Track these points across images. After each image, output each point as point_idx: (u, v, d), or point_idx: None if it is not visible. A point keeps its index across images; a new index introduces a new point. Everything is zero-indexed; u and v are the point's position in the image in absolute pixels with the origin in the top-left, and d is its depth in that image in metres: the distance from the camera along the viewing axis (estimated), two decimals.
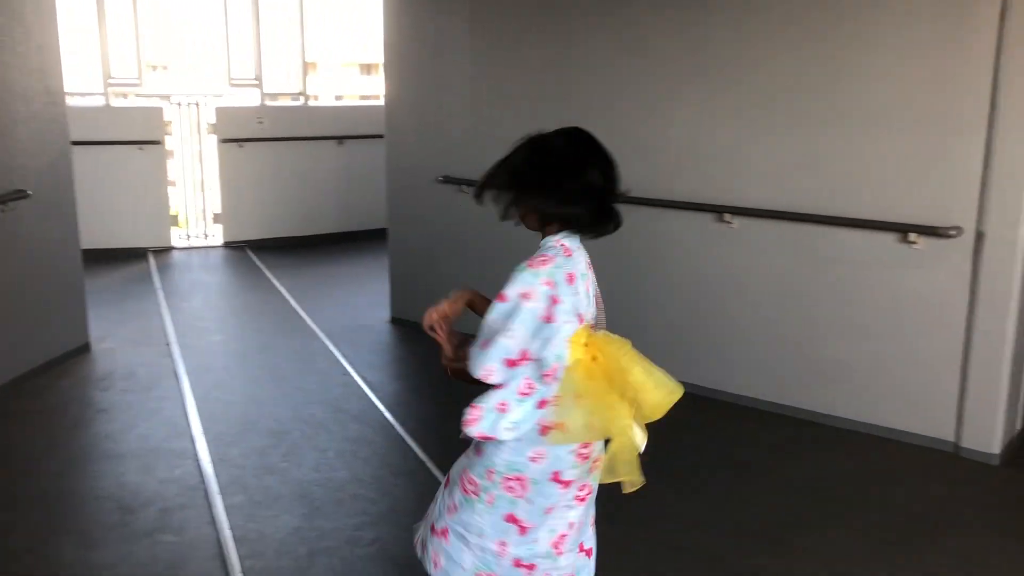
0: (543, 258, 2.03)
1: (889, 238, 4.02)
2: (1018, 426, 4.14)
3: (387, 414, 4.46)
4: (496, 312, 2.01)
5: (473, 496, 2.16)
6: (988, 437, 3.92)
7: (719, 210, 4.47)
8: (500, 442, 2.07)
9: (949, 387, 3.98)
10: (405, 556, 3.11)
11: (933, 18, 3.81)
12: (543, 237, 2.10)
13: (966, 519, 3.42)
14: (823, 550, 3.19)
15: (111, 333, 5.65)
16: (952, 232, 3.82)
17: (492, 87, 5.31)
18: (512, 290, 1.99)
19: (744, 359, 4.57)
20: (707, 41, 4.45)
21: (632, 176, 4.69)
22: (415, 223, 5.88)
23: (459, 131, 5.50)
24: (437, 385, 4.97)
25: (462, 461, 2.26)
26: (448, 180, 5.51)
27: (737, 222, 4.44)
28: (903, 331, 4.06)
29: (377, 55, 8.18)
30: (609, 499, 2.28)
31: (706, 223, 4.55)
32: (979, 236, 3.81)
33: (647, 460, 2.05)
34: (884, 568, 3.08)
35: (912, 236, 3.93)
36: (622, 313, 4.89)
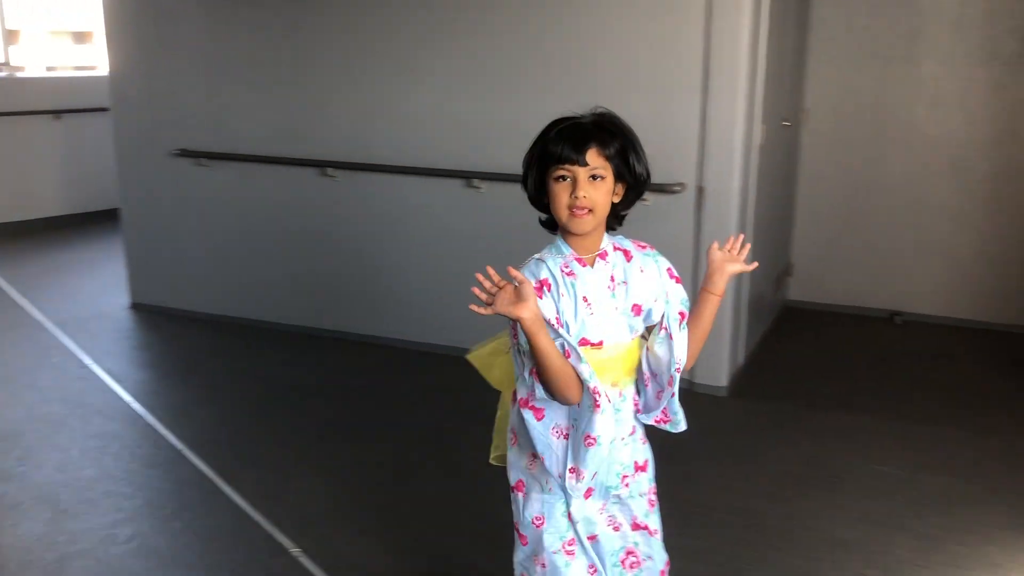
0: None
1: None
2: (740, 361, 4.61)
3: (135, 404, 4.21)
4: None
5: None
6: (717, 373, 4.34)
7: (467, 175, 4.58)
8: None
9: None
10: (170, 548, 2.99)
11: None
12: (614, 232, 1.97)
13: (704, 444, 3.78)
14: None
15: None
16: (677, 188, 4.16)
17: (228, 53, 5.09)
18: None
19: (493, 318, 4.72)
20: (449, 7, 4.52)
21: (379, 143, 4.78)
22: (151, 201, 5.53)
23: (194, 101, 5.23)
24: (187, 370, 4.76)
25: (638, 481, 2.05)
26: (185, 153, 5.23)
27: (485, 186, 4.57)
28: None
29: (92, 22, 7.54)
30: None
31: (455, 188, 4.65)
32: (700, 191, 4.17)
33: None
34: None
35: (644, 194, 4.22)
36: (371, 279, 4.96)
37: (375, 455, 3.70)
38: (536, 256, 1.92)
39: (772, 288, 5.29)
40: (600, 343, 1.87)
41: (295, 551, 2.94)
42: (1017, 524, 3.14)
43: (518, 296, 1.73)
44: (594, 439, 1.84)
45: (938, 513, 3.19)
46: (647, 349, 1.95)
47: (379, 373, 4.66)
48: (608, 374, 1.89)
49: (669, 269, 1.96)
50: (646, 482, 2.07)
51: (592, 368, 1.81)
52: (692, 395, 4.27)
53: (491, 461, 2.21)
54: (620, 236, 1.97)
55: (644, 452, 2.06)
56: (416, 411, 4.19)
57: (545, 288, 1.86)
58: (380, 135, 4.78)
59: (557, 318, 1.83)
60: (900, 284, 5.58)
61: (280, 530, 3.07)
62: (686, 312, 1.96)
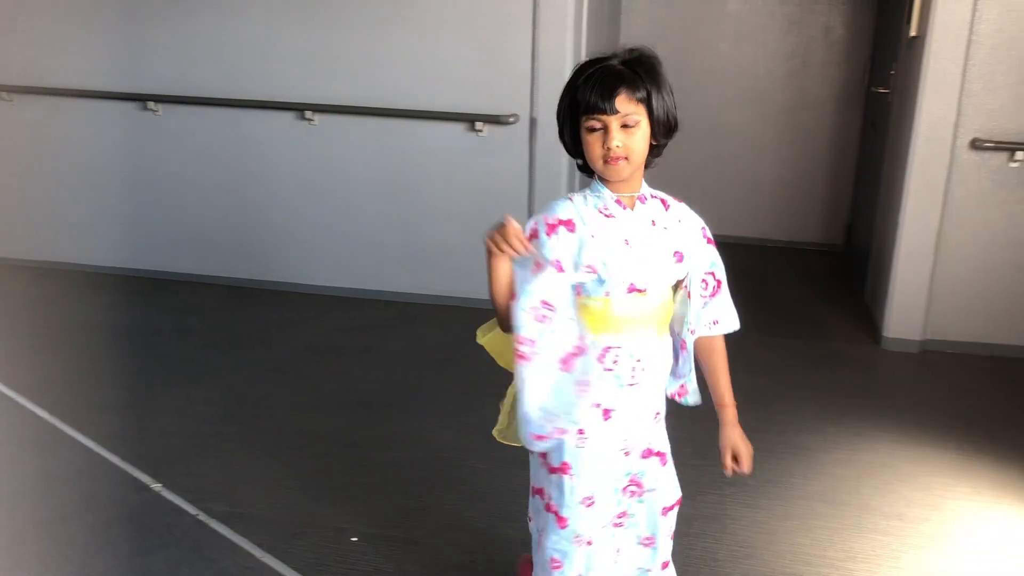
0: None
1: (459, 128, 4.42)
2: None
3: None
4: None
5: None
6: None
7: (300, 108, 4.54)
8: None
9: None
10: (17, 491, 2.91)
11: None
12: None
13: None
14: (446, 403, 3.57)
15: None
16: (511, 119, 4.31)
17: None
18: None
19: (335, 252, 4.76)
20: None
21: (204, 76, 4.64)
22: None
23: None
24: (9, 319, 4.51)
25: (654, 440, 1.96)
26: None
27: (318, 119, 4.55)
28: (480, 211, 4.53)
29: None
30: None
31: (288, 121, 4.60)
32: (533, 122, 4.35)
33: None
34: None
35: (479, 125, 4.36)
36: (199, 218, 4.85)
37: (225, 392, 3.70)
38: (568, 196, 1.81)
39: None
40: (645, 290, 1.78)
41: (156, 486, 2.93)
42: (824, 413, 3.58)
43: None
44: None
45: (756, 409, 3.57)
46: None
47: (215, 312, 4.60)
48: (645, 327, 1.81)
49: (704, 228, 1.89)
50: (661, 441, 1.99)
51: (632, 318, 1.78)
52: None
53: (494, 434, 2.12)
54: (658, 191, 1.88)
55: (663, 441, 1.98)
56: (259, 347, 4.19)
57: (564, 228, 1.76)
58: (205, 67, 4.64)
59: (557, 261, 1.75)
60: (708, 208, 5.99)
61: (138, 468, 3.04)
62: (719, 277, 1.90)
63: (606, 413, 1.84)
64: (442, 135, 4.45)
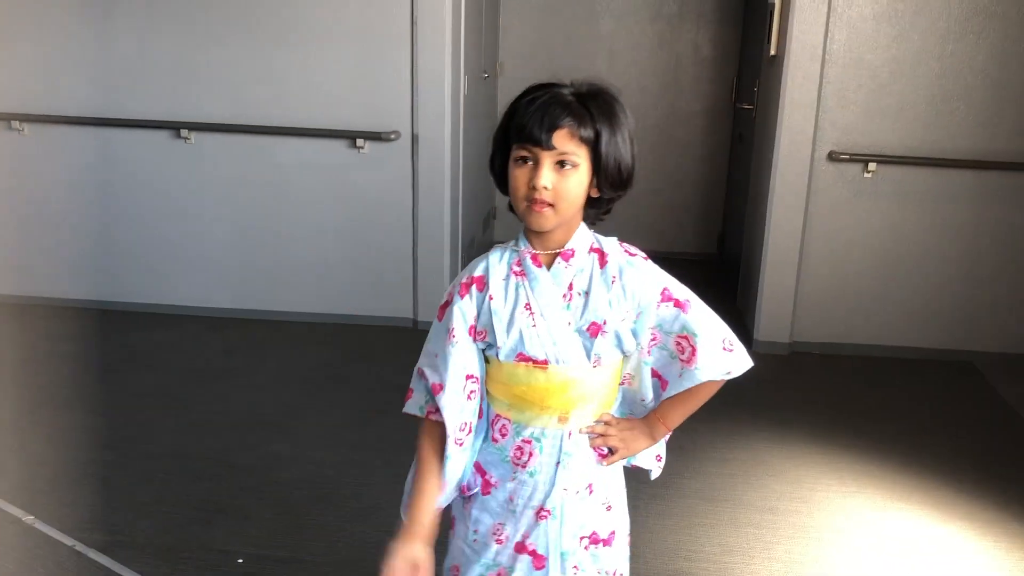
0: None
1: (340, 144, 4.42)
2: None
3: None
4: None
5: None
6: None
7: (175, 126, 4.45)
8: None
9: (405, 272, 4.57)
10: None
11: None
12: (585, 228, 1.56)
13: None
14: (327, 422, 3.55)
15: None
16: (392, 136, 4.34)
17: None
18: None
19: (209, 271, 4.67)
20: None
21: (71, 93, 4.48)
22: None
23: None
24: None
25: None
26: None
27: (195, 137, 4.47)
28: (362, 228, 4.53)
29: None
30: None
31: (163, 140, 4.50)
32: (415, 138, 4.39)
33: None
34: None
35: (360, 142, 4.37)
36: (69, 240, 4.67)
37: (99, 418, 3.58)
38: (497, 247, 1.57)
39: (481, 229, 5.66)
40: (544, 362, 1.49)
41: (29, 519, 2.82)
42: (699, 415, 3.72)
43: None
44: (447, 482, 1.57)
45: None
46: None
47: (85, 337, 4.44)
48: (553, 404, 1.51)
49: (666, 288, 1.54)
50: (610, 562, 1.62)
51: (525, 392, 1.51)
52: (416, 332, 4.52)
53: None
54: (613, 238, 1.57)
55: (608, 521, 1.61)
56: (133, 371, 4.07)
57: (475, 287, 1.52)
58: (72, 84, 4.49)
59: (473, 326, 1.52)
60: None
61: (7, 500, 2.92)
62: (690, 337, 1.52)
63: (486, 485, 1.58)
64: (322, 152, 4.44)
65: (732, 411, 3.77)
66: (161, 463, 3.23)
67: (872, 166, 4.25)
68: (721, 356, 1.53)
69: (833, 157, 4.26)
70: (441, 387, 1.51)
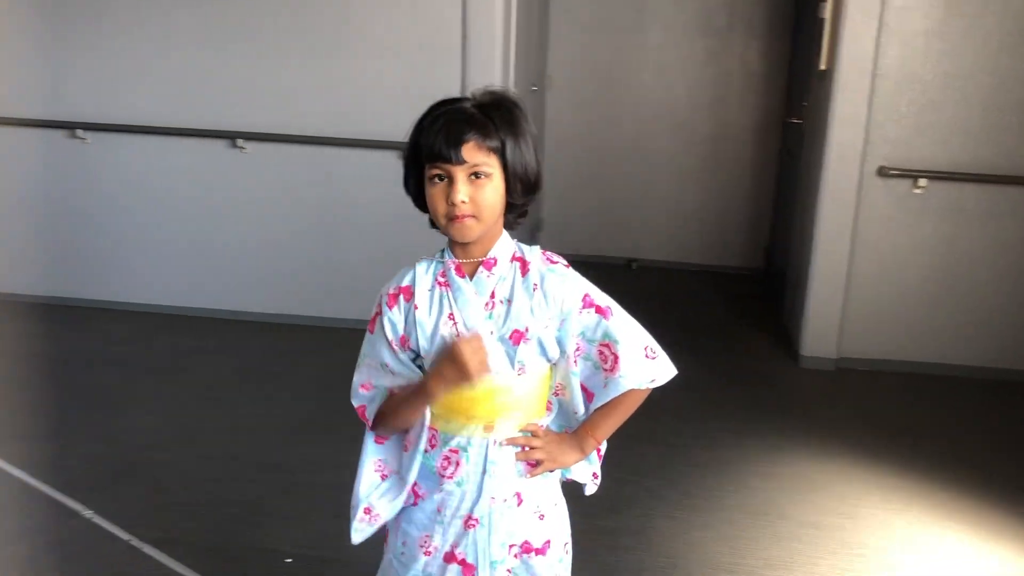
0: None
1: (391, 155, 4.49)
2: None
3: None
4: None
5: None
6: None
7: (231, 136, 4.57)
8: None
9: None
10: None
11: None
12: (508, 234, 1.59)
13: None
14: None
15: None
16: None
17: None
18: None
19: (266, 277, 4.78)
20: None
21: (133, 103, 4.63)
22: None
23: None
24: None
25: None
26: None
27: (250, 146, 4.59)
28: (414, 238, 4.58)
29: None
30: None
31: (219, 149, 4.62)
32: None
33: None
34: None
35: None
36: (128, 245, 4.81)
37: (153, 418, 3.69)
38: (423, 258, 1.60)
39: (528, 239, 5.70)
40: None
41: (87, 513, 2.92)
42: (744, 429, 3.73)
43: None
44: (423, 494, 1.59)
45: (679, 425, 3.71)
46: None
47: (139, 339, 4.57)
48: (478, 413, 1.53)
49: (587, 295, 1.55)
50: (545, 570, 1.62)
51: (450, 401, 1.51)
52: None
53: None
54: (535, 246, 1.60)
55: (541, 530, 1.61)
56: (184, 374, 4.18)
57: (402, 297, 1.55)
58: (134, 95, 4.64)
59: (403, 337, 1.54)
60: (635, 234, 6.21)
61: (67, 495, 3.03)
62: (618, 350, 1.53)
63: (415, 496, 1.60)
64: (374, 162, 4.52)
65: (776, 425, 3.77)
66: (211, 464, 3.31)
67: (922, 182, 4.22)
68: (644, 364, 1.55)
69: (883, 172, 4.23)
70: (366, 387, 1.61)
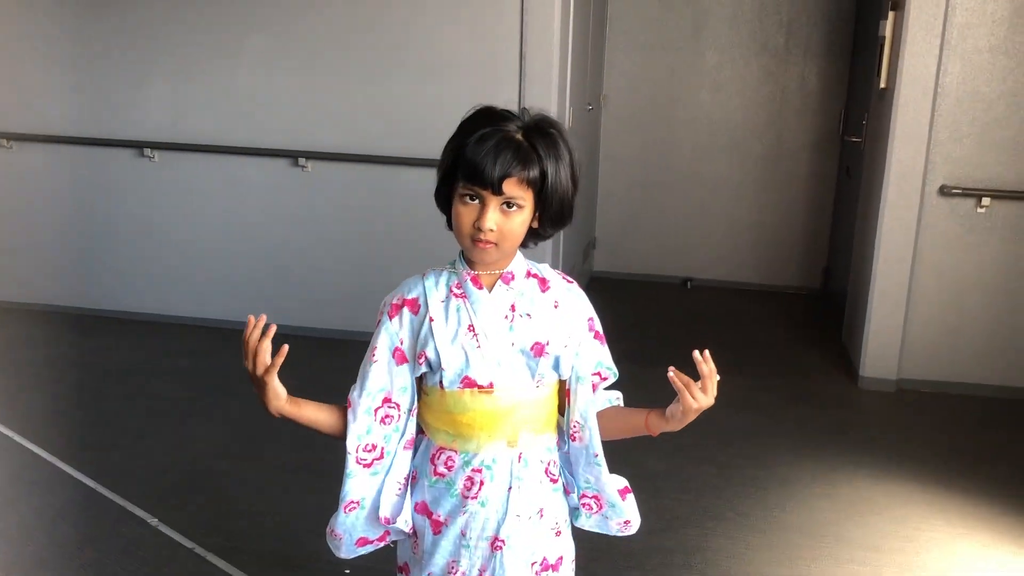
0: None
1: None
2: None
3: None
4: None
5: None
6: None
7: (294, 155, 4.68)
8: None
9: None
10: (19, 527, 2.96)
11: None
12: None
13: None
14: None
15: None
16: None
17: (28, 31, 4.89)
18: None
19: (320, 293, 4.86)
20: None
21: (199, 123, 4.77)
22: None
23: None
24: None
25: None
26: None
27: (311, 165, 4.69)
28: None
29: None
30: None
31: (281, 168, 4.74)
32: None
33: None
34: None
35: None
36: (192, 262, 4.94)
37: (218, 428, 3.77)
38: (426, 272, 1.62)
39: (581, 260, 5.72)
40: (490, 385, 1.51)
41: (153, 521, 3.00)
42: (803, 449, 3.69)
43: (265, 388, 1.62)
44: (355, 503, 1.68)
45: (738, 444, 3.69)
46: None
47: (202, 352, 4.68)
48: (501, 428, 1.53)
49: (591, 320, 1.61)
50: None
51: (472, 418, 1.52)
52: None
53: None
54: (544, 264, 1.62)
55: (556, 546, 1.62)
56: (244, 387, 4.25)
57: (408, 309, 1.57)
58: (200, 114, 4.78)
59: (398, 348, 1.56)
60: (691, 253, 6.18)
61: (134, 503, 3.11)
62: (608, 377, 1.65)
63: (436, 525, 1.57)
64: (431, 180, 4.58)
65: (835, 446, 3.72)
66: (278, 474, 3.38)
67: (986, 201, 4.15)
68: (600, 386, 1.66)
69: (945, 192, 4.17)
70: (351, 403, 1.63)
